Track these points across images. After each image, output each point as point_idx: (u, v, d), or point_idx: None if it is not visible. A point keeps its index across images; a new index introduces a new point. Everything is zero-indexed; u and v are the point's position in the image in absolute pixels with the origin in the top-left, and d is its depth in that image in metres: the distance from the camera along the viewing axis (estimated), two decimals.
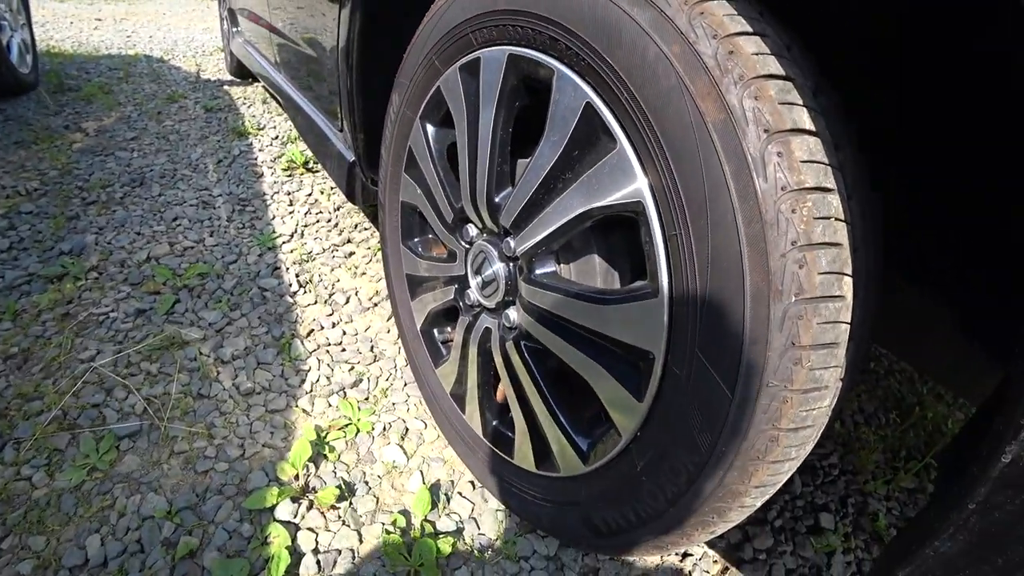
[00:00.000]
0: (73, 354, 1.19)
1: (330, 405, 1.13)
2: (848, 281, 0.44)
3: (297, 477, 0.99)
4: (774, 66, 0.46)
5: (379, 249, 1.65)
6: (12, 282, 1.40)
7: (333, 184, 2.08)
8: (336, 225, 1.77)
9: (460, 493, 1.00)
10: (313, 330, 1.31)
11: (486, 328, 0.82)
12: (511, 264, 0.75)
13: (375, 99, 1.12)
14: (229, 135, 2.53)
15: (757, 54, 0.46)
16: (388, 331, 1.33)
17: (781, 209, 0.42)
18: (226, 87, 3.45)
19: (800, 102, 0.45)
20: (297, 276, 1.49)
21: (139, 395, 1.10)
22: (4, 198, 1.84)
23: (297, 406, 1.12)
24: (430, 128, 0.90)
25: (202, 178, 2.06)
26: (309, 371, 1.19)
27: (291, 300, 1.40)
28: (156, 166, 2.14)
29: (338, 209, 1.88)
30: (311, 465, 1.02)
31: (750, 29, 0.47)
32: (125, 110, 2.84)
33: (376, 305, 1.41)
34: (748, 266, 0.43)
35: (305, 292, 1.44)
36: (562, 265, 0.72)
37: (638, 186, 0.52)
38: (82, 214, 1.75)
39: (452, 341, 1.01)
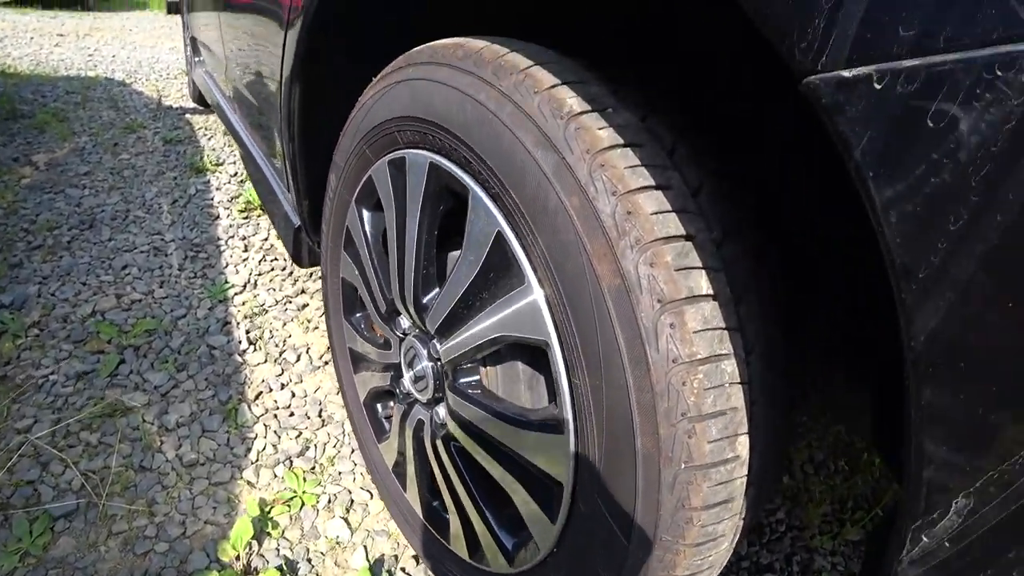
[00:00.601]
0: (9, 423, 1.16)
1: (276, 476, 1.12)
2: (743, 440, 0.46)
3: (238, 558, 0.97)
4: (674, 226, 0.47)
5: None
6: None
7: None
8: (291, 273, 1.75)
9: (403, 569, 1.00)
10: (261, 392, 1.29)
11: (419, 419, 0.82)
12: (437, 365, 0.75)
13: (318, 167, 1.08)
14: (187, 171, 2.49)
15: (657, 213, 0.47)
16: (337, 392, 1.32)
17: (672, 381, 0.43)
18: (188, 115, 3.40)
19: (699, 264, 0.46)
20: (248, 332, 1.47)
21: (77, 470, 1.08)
22: None
23: (242, 478, 1.11)
24: (365, 213, 0.90)
25: (155, 220, 2.03)
26: (255, 439, 1.18)
27: (240, 359, 1.38)
28: (108, 206, 2.10)
29: None
30: (254, 543, 1.00)
31: (652, 182, 0.48)
32: (80, 140, 2.78)
33: (327, 363, 1.40)
34: (639, 430, 0.45)
35: (255, 350, 1.42)
36: (488, 368, 0.73)
37: (546, 328, 0.53)
38: (26, 260, 1.71)
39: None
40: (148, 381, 1.29)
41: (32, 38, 6.00)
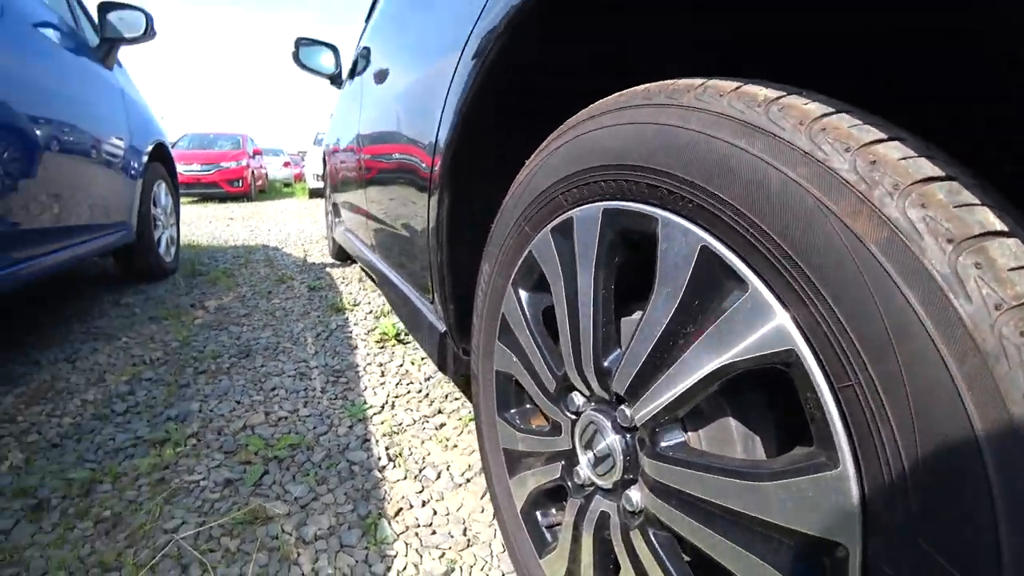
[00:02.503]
0: (159, 523, 1.16)
1: None
2: None
3: None
4: (929, 168, 0.40)
5: (471, 420, 1.59)
6: (121, 444, 1.46)
7: (423, 355, 2.10)
8: (427, 395, 1.74)
9: None
10: (401, 508, 1.21)
11: (602, 512, 0.71)
12: (628, 436, 0.66)
13: (463, 271, 1.16)
14: (328, 311, 2.70)
15: (904, 159, 0.41)
16: (482, 510, 1.21)
17: (1004, 333, 0.33)
18: (328, 269, 3.79)
19: (977, 201, 0.38)
20: (387, 449, 1.44)
21: (214, 575, 1.02)
22: (131, 365, 1.99)
23: None
24: (523, 294, 0.89)
25: (301, 350, 2.16)
26: (395, 557, 1.08)
27: (379, 475, 1.33)
28: (262, 339, 2.28)
29: (428, 379, 1.87)
30: None
31: (884, 136, 0.43)
32: (241, 290, 3.15)
33: (469, 481, 1.31)
34: (977, 416, 0.34)
35: (394, 466, 1.37)
36: (690, 433, 0.63)
37: (785, 332, 0.45)
38: (192, 382, 1.85)
39: (560, 525, 0.89)
40: (289, 492, 1.26)
41: (210, 222, 7.22)
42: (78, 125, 2.28)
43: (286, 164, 18.15)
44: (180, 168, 7.09)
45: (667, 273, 0.58)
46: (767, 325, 0.47)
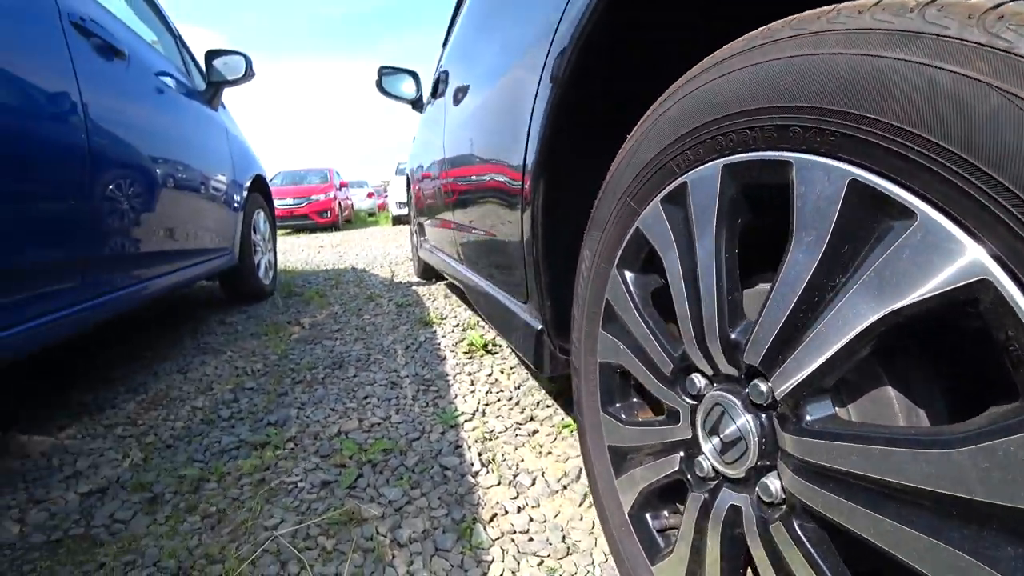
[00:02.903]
0: (260, 520, 1.17)
1: None
2: None
3: None
4: None
5: (564, 427, 1.53)
6: (226, 446, 1.51)
7: (513, 365, 2.07)
8: (517, 403, 1.70)
9: None
10: (496, 514, 1.16)
11: (732, 507, 0.63)
12: (765, 415, 0.58)
13: (559, 266, 1.13)
14: (416, 325, 2.74)
15: None
16: (581, 518, 1.14)
17: None
18: (414, 287, 3.87)
19: None
20: (479, 455, 1.40)
21: (311, 572, 1.01)
22: (235, 376, 2.09)
23: None
24: (629, 275, 0.83)
25: (391, 361, 2.19)
26: (492, 562, 1.03)
27: (473, 480, 1.29)
28: (354, 352, 2.34)
29: (519, 387, 1.83)
30: None
31: None
32: (333, 308, 3.26)
33: (565, 488, 1.24)
34: None
35: (488, 472, 1.33)
36: (838, 409, 0.54)
37: (974, 260, 0.37)
38: (290, 391, 1.91)
39: (676, 528, 0.81)
40: (383, 495, 1.25)
41: (303, 250, 7.65)
42: (191, 162, 2.48)
43: (370, 195, 19.06)
44: (275, 203, 7.61)
45: (806, 220, 0.51)
46: (947, 256, 0.39)
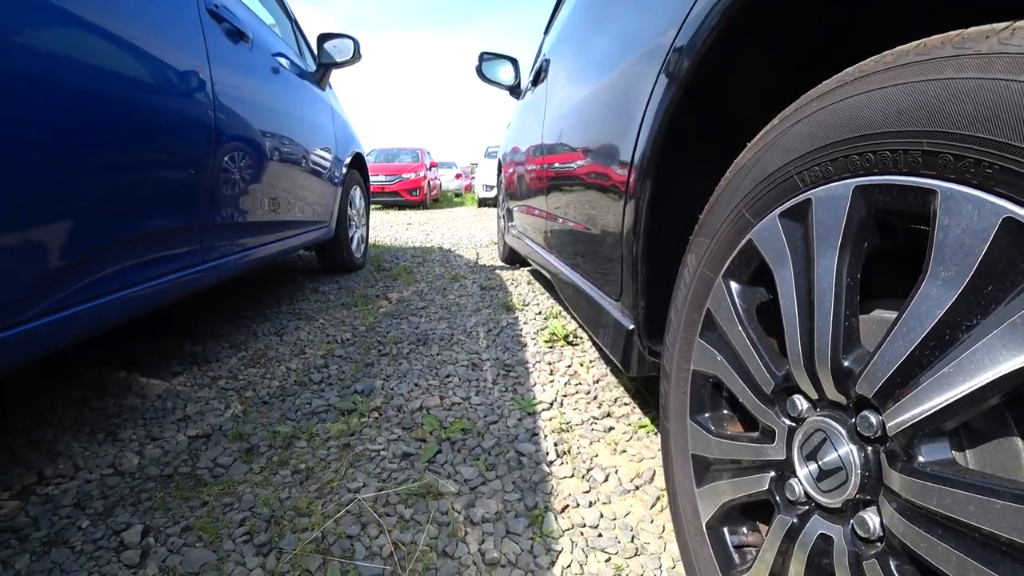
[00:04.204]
0: (344, 482, 1.25)
1: None
2: None
3: None
4: None
5: (640, 426, 1.52)
6: (316, 409, 1.62)
7: (592, 358, 2.07)
8: (595, 398, 1.71)
9: None
10: (568, 506, 1.18)
11: (822, 535, 0.61)
12: (871, 448, 0.56)
13: (659, 269, 1.12)
14: (499, 309, 2.79)
15: None
16: (651, 521, 1.14)
17: None
18: (498, 271, 3.93)
19: None
20: (555, 445, 1.42)
21: (389, 537, 1.08)
22: (326, 343, 2.23)
23: None
24: (735, 286, 0.81)
25: (474, 343, 2.24)
26: (561, 552, 1.05)
27: (547, 469, 1.32)
28: (438, 330, 2.42)
29: (597, 382, 1.84)
30: None
31: None
32: (419, 286, 3.38)
33: (638, 488, 1.24)
34: None
35: (562, 463, 1.35)
36: (955, 452, 0.51)
37: None
38: (376, 362, 2.01)
39: (753, 547, 0.80)
40: (460, 473, 1.30)
41: (391, 226, 7.94)
42: (300, 140, 2.63)
43: (458, 176, 19.40)
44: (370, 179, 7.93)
45: (947, 254, 0.48)
46: None
